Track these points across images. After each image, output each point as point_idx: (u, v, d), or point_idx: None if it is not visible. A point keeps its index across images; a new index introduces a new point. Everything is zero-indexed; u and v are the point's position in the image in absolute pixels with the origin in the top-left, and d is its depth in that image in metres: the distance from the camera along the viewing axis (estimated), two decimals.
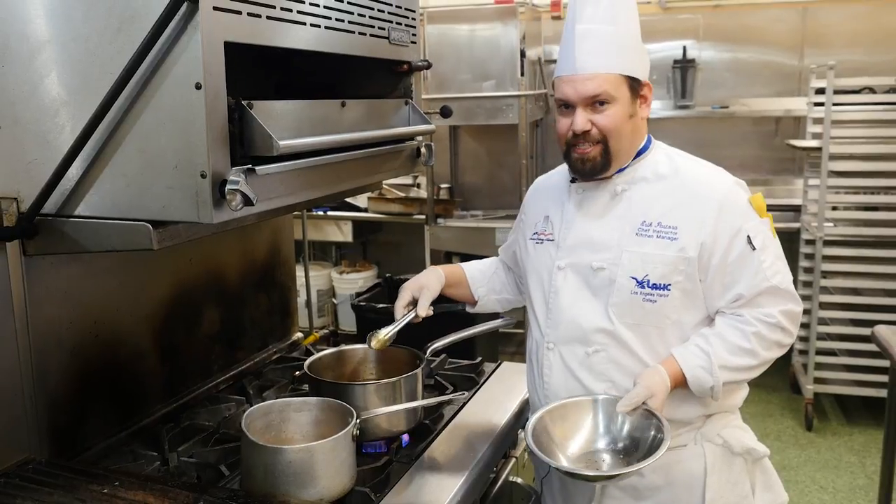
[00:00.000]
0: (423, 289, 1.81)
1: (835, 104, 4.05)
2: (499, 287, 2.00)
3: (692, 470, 1.66)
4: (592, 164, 1.65)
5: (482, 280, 1.98)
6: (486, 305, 2.01)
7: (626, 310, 1.63)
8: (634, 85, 1.63)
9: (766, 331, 1.60)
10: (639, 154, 1.69)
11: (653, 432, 1.53)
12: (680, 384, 1.60)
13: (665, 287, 1.61)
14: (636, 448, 1.54)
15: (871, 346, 3.05)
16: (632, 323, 1.63)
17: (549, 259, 1.74)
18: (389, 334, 1.75)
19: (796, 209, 4.67)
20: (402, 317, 1.77)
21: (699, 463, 1.66)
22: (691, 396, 1.63)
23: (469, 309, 2.02)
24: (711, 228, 1.60)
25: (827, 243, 4.20)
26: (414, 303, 1.80)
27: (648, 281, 1.61)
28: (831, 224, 4.25)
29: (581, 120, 1.62)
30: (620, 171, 1.68)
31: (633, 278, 1.62)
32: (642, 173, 1.68)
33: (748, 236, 1.60)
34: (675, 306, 1.62)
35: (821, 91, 4.14)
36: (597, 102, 1.61)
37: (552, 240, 1.75)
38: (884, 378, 3.09)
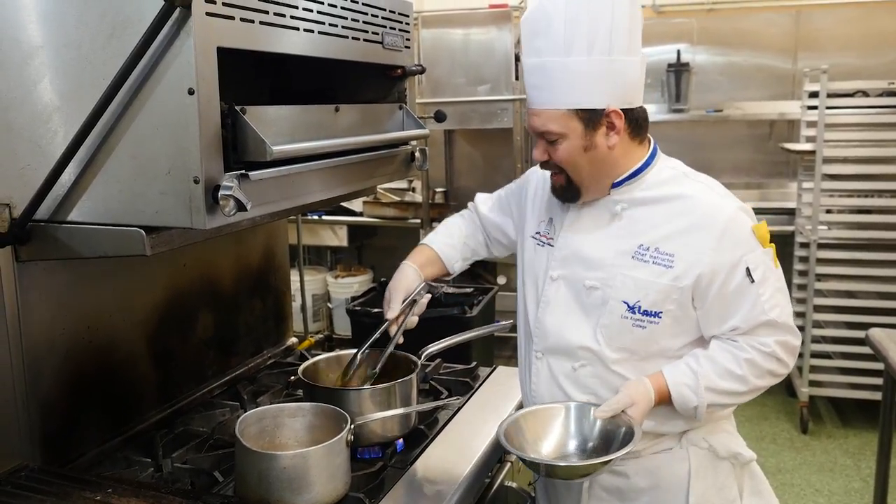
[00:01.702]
0: (396, 291, 1.80)
1: (828, 107, 4.07)
2: (469, 254, 1.99)
3: (676, 473, 1.65)
4: (562, 191, 1.65)
5: (454, 255, 1.96)
6: (459, 272, 2.00)
7: (615, 333, 1.60)
8: (591, 116, 1.55)
9: (759, 359, 1.57)
10: (639, 171, 1.63)
11: (623, 429, 1.52)
12: (664, 400, 1.57)
13: (656, 314, 1.58)
14: (607, 448, 1.52)
15: (866, 349, 3.05)
16: (619, 346, 1.61)
17: (546, 265, 1.73)
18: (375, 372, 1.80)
19: (790, 212, 4.69)
20: (390, 344, 1.79)
21: (683, 467, 1.64)
22: (676, 413, 1.60)
23: (442, 278, 2.01)
24: (710, 259, 1.54)
25: (821, 246, 4.22)
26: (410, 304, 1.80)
27: (640, 307, 1.58)
28: (825, 227, 4.26)
29: (537, 151, 1.62)
30: (617, 185, 1.63)
31: (625, 303, 1.59)
32: (643, 192, 1.62)
33: (748, 268, 1.54)
34: (665, 333, 1.60)
35: (814, 94, 4.15)
36: (545, 137, 1.59)
37: (552, 245, 1.73)
38: (878, 381, 3.10)
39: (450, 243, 1.97)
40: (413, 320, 1.80)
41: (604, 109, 1.55)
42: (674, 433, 1.66)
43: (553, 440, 1.60)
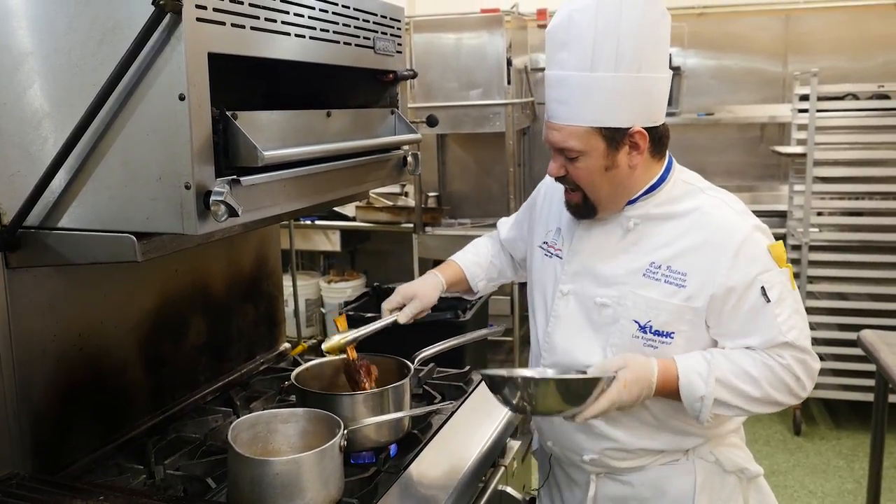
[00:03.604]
0: (415, 298, 1.80)
1: (819, 110, 4.09)
2: (496, 274, 2.00)
3: (681, 486, 1.62)
4: (576, 208, 1.61)
5: (480, 273, 1.96)
6: (484, 292, 2.01)
7: (626, 353, 1.53)
8: (614, 135, 1.49)
9: (777, 368, 1.50)
10: (654, 187, 1.58)
11: (608, 376, 1.44)
12: (670, 386, 1.49)
13: (668, 335, 1.52)
14: (584, 399, 1.43)
15: (858, 351, 3.06)
16: None
17: (554, 277, 1.69)
18: (344, 340, 1.74)
19: (782, 215, 4.70)
20: (374, 323, 1.77)
21: (689, 479, 1.61)
22: (677, 428, 1.58)
23: (465, 296, 2.02)
24: (724, 278, 1.48)
25: (812, 249, 4.24)
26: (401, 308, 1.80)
27: (651, 327, 1.53)
28: (817, 229, 4.28)
29: (554, 166, 1.57)
30: (632, 202, 1.58)
31: (636, 322, 1.54)
32: (657, 208, 1.57)
33: (763, 287, 1.48)
34: (677, 352, 1.53)
35: (805, 98, 4.18)
36: (565, 153, 1.53)
37: (560, 257, 1.69)
38: (870, 382, 3.11)
39: (476, 261, 1.97)
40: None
41: (628, 128, 1.50)
42: (679, 450, 1.62)
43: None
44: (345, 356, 1.82)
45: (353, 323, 1.86)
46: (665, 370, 1.50)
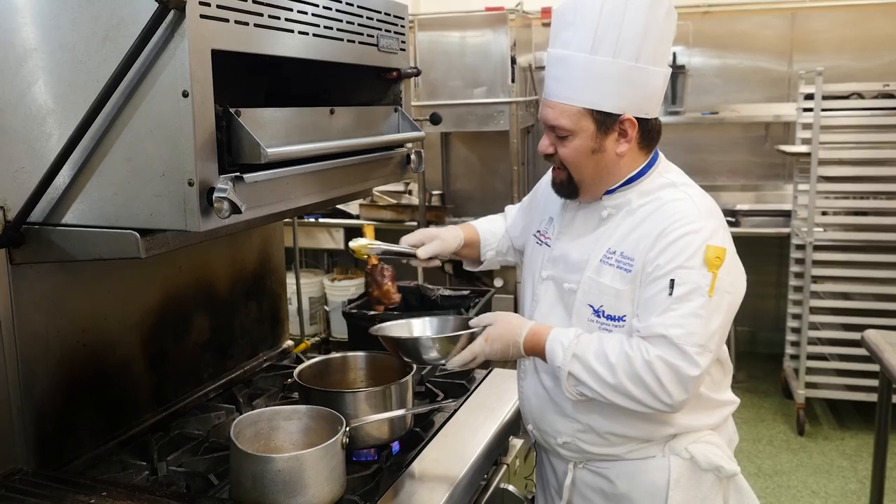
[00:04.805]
0: (436, 238, 1.83)
1: (824, 110, 4.08)
2: (504, 249, 2.02)
3: (655, 482, 1.62)
4: (560, 187, 1.66)
5: (492, 242, 2.00)
6: (489, 265, 2.04)
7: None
8: (605, 120, 1.54)
9: (637, 361, 1.47)
10: (633, 179, 1.62)
11: (474, 330, 1.65)
12: (538, 350, 1.58)
13: (620, 318, 1.56)
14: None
15: (862, 351, 3.05)
16: None
17: (541, 263, 1.75)
18: (373, 245, 1.78)
19: (786, 214, 4.69)
20: (396, 245, 1.81)
21: (663, 475, 1.62)
22: (647, 416, 1.58)
23: (468, 267, 2.05)
24: (651, 259, 1.52)
25: (817, 248, 4.22)
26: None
27: (603, 311, 1.58)
28: (821, 229, 4.27)
29: (544, 142, 1.62)
30: (610, 192, 1.63)
31: (590, 306, 1.60)
32: (630, 200, 1.61)
33: (672, 280, 1.49)
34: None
35: (810, 97, 4.16)
36: (556, 131, 1.58)
37: (549, 245, 1.74)
38: (874, 382, 3.10)
39: (491, 230, 2.02)
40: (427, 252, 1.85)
41: (619, 115, 1.54)
42: (646, 438, 1.63)
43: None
44: (366, 258, 1.86)
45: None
46: (535, 334, 1.60)
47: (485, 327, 1.64)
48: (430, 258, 1.85)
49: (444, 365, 1.68)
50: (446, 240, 1.86)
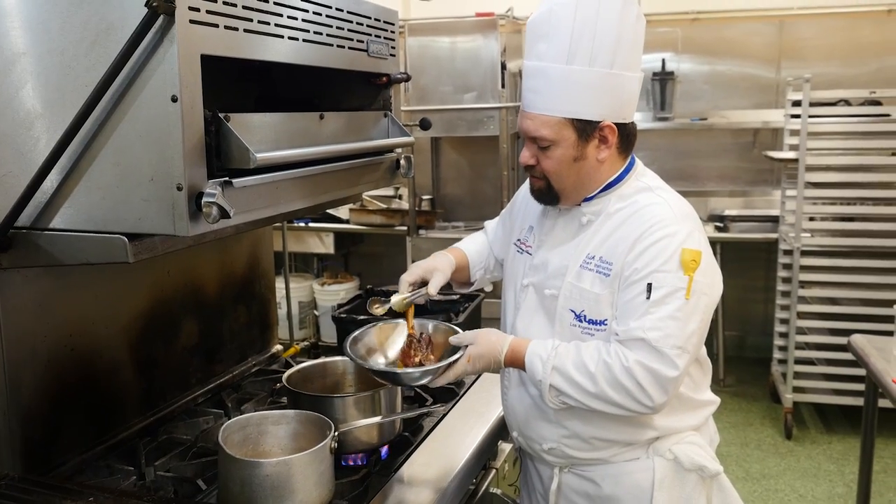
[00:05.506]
0: (435, 271, 1.82)
1: (811, 116, 4.11)
2: (491, 266, 2.02)
3: (640, 483, 1.64)
4: (539, 194, 1.67)
5: (480, 262, 2.00)
6: (479, 284, 2.03)
7: (568, 341, 1.59)
8: (585, 127, 1.56)
9: (616, 368, 1.49)
10: (611, 185, 1.64)
11: (457, 355, 1.62)
12: (518, 362, 1.59)
13: (601, 323, 1.57)
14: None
15: (849, 356, 3.07)
16: None
17: (522, 271, 1.75)
18: (408, 299, 1.75)
19: (774, 220, 4.72)
20: (413, 292, 1.77)
21: (647, 476, 1.63)
22: (631, 420, 1.60)
23: (459, 289, 2.04)
24: (629, 264, 1.53)
25: (804, 254, 4.25)
26: (422, 283, 1.80)
27: (585, 316, 1.59)
28: (808, 234, 4.30)
29: (525, 154, 1.64)
30: (588, 199, 1.65)
31: (572, 311, 1.61)
32: (609, 206, 1.63)
33: (650, 284, 1.50)
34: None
35: (797, 103, 4.19)
36: (537, 142, 1.59)
37: (530, 253, 1.75)
38: (861, 387, 3.12)
39: (477, 250, 2.01)
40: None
41: (598, 122, 1.57)
42: (629, 441, 1.64)
43: (389, 356, 1.79)
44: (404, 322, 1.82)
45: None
46: (515, 350, 1.60)
47: (466, 347, 1.64)
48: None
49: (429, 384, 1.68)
50: (444, 270, 1.84)
